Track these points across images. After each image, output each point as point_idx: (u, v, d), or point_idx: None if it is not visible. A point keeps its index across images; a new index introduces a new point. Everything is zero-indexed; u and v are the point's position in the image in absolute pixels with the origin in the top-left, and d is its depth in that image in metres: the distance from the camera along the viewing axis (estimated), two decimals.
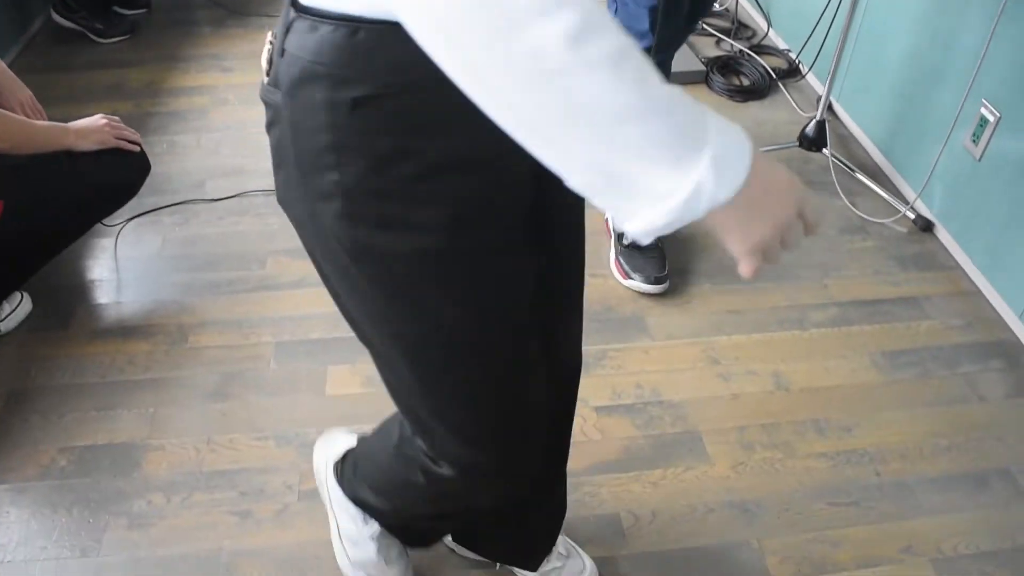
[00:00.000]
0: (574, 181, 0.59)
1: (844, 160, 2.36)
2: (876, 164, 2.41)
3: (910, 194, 2.23)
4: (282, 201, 0.83)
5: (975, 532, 1.51)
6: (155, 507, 1.51)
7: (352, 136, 0.70)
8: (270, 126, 0.78)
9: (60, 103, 2.55)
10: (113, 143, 1.81)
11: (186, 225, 2.14)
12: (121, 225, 2.12)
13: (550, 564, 1.34)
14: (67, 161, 1.75)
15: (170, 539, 1.46)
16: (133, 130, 1.88)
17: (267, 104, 0.77)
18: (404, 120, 0.70)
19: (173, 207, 2.19)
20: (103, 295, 1.94)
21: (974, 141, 1.96)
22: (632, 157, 0.57)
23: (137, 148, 1.87)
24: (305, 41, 0.69)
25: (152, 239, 2.10)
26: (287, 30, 0.72)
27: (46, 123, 1.76)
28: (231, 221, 2.15)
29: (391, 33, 0.62)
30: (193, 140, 2.45)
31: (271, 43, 0.76)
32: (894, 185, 2.32)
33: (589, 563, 1.40)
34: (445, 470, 1.01)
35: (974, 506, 1.55)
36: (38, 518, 1.49)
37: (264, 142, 0.83)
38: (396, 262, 0.78)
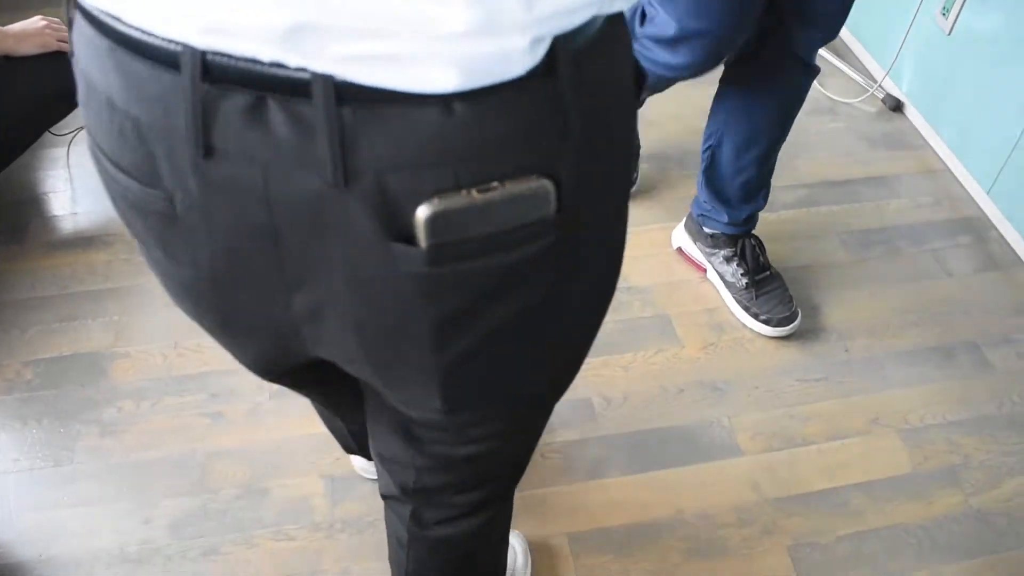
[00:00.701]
0: None
1: None
2: (844, 43, 2.36)
3: (879, 73, 2.20)
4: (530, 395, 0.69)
5: (942, 403, 1.53)
6: (126, 414, 1.50)
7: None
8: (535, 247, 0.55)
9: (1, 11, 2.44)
10: (55, 46, 1.73)
11: None
12: (72, 134, 2.04)
13: None
14: (5, 67, 1.67)
15: (143, 444, 1.46)
16: None
17: None
18: None
19: None
20: (58, 207, 1.89)
21: (944, 14, 1.92)
22: None
23: None
24: None
25: None
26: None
27: None
28: None
29: None
30: None
31: None
32: (863, 64, 2.28)
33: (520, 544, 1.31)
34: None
35: (941, 378, 1.57)
36: (8, 431, 1.47)
37: None
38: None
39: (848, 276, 1.75)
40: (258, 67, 0.46)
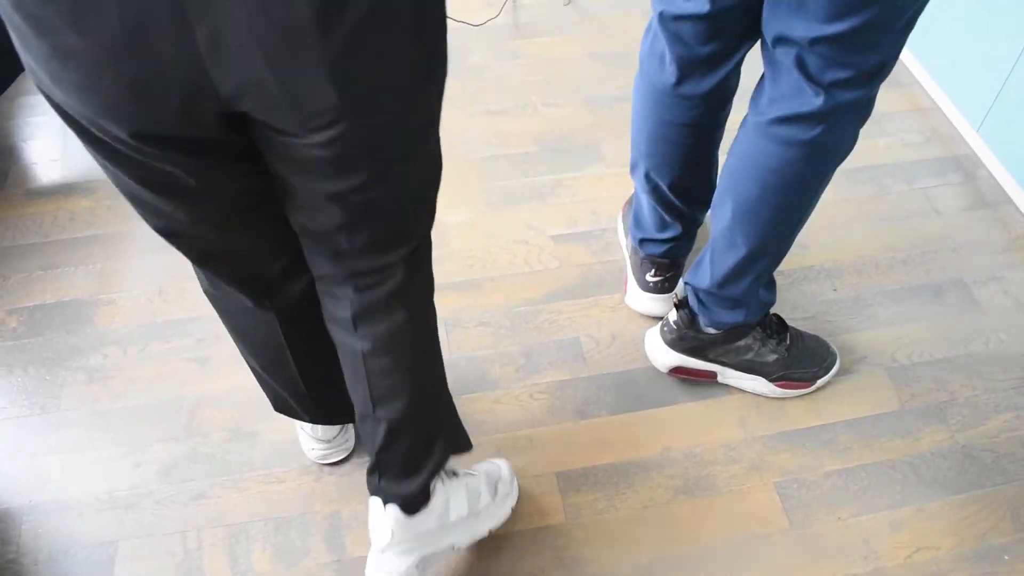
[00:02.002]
0: None
1: None
2: None
3: None
4: (405, 94, 0.78)
5: (929, 340, 1.54)
6: (112, 360, 1.49)
7: None
8: None
9: None
10: None
11: None
12: None
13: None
14: None
15: (130, 390, 1.45)
16: None
17: None
18: None
19: None
20: (37, 154, 1.85)
21: None
22: None
23: None
24: None
25: None
26: None
27: None
28: None
29: None
30: None
31: None
32: None
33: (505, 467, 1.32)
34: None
35: (929, 316, 1.57)
36: None
37: None
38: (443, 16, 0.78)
39: (836, 215, 1.74)
40: None
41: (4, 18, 0.67)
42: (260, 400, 1.42)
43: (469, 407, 1.43)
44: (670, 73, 1.24)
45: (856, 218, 1.73)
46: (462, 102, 1.97)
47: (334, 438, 1.34)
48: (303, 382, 1.16)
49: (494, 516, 1.23)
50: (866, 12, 0.97)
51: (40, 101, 1.95)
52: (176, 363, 1.48)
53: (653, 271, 1.51)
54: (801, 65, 1.06)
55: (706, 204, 1.44)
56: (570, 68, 2.05)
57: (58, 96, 0.71)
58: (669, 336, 1.42)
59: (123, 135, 0.73)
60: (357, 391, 1.06)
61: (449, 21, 2.15)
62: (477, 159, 1.84)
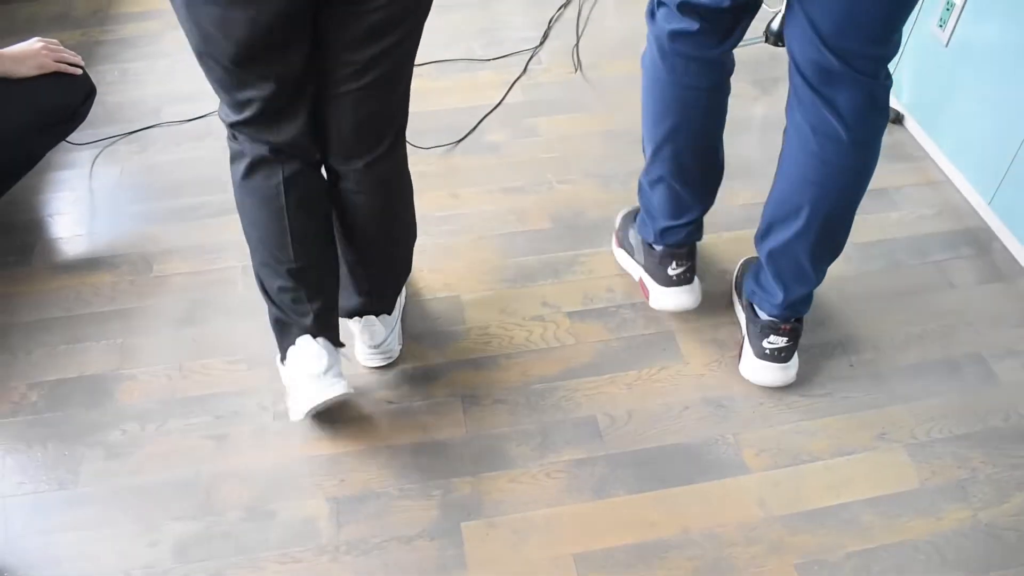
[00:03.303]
0: None
1: None
2: None
3: None
4: None
5: (948, 416, 1.53)
6: (130, 436, 1.50)
7: None
8: None
9: (1, 37, 2.45)
10: (53, 67, 1.74)
11: (144, 153, 2.08)
12: (98, 149, 2.06)
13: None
14: (3, 88, 1.68)
15: (148, 467, 1.46)
16: (73, 52, 1.81)
17: None
18: None
19: (130, 136, 2.12)
20: (63, 229, 1.89)
21: (940, 26, 1.92)
22: None
23: (79, 71, 1.80)
24: None
25: (110, 169, 2.04)
26: None
27: None
28: (190, 146, 2.09)
29: None
30: (145, 66, 2.37)
31: None
32: None
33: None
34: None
35: (947, 391, 1.57)
36: (13, 454, 1.47)
37: None
38: None
39: (851, 289, 1.74)
40: None
41: None
42: (277, 479, 1.43)
43: (486, 486, 1.43)
44: (708, 43, 1.38)
45: (871, 292, 1.74)
46: (479, 179, 2.00)
47: (325, 372, 1.40)
48: (295, 259, 1.38)
49: (402, 299, 1.67)
50: None
51: (68, 177, 2.01)
52: (194, 440, 1.49)
53: (674, 263, 1.60)
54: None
55: (720, 175, 1.59)
56: (584, 145, 2.09)
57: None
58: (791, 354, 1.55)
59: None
60: (353, 237, 1.45)
61: (466, 100, 2.21)
62: (494, 236, 1.86)
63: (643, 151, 1.59)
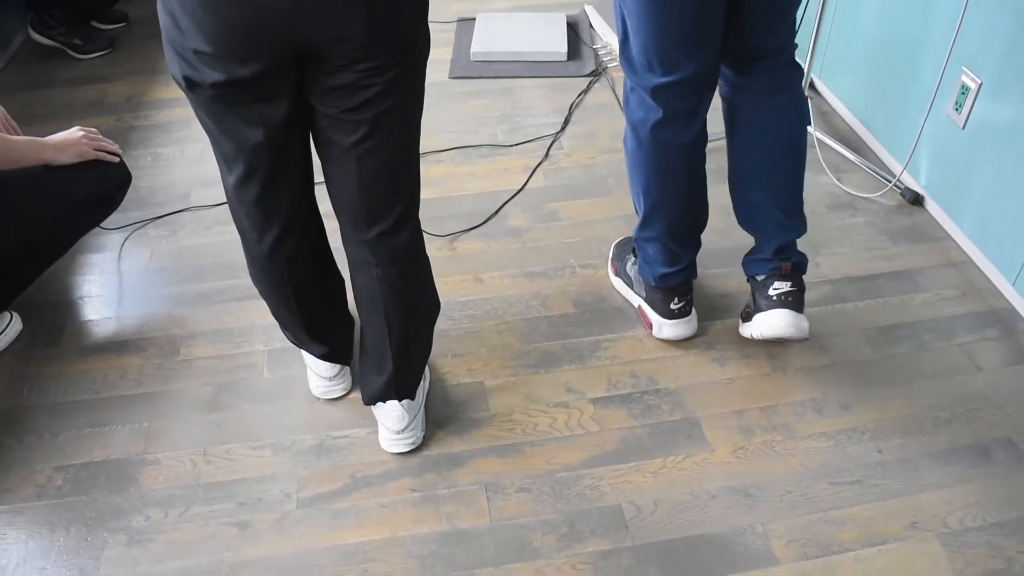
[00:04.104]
0: None
1: (828, 137, 2.35)
2: (861, 139, 2.40)
3: (896, 167, 2.22)
4: (405, 32, 1.20)
5: (981, 504, 1.50)
6: (153, 522, 1.49)
7: None
8: None
9: (41, 121, 2.54)
10: (92, 155, 1.80)
11: (173, 237, 2.12)
12: (126, 233, 2.11)
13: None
14: (45, 175, 1.73)
15: (170, 554, 1.45)
16: (111, 141, 1.87)
17: None
18: None
19: (160, 219, 2.18)
20: (93, 311, 1.93)
21: (956, 109, 1.95)
22: None
23: (116, 159, 1.85)
24: None
25: (140, 252, 2.08)
26: None
27: (23, 138, 1.74)
28: (218, 230, 2.13)
29: None
30: (176, 151, 2.44)
31: None
32: (880, 159, 2.31)
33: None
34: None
35: (978, 477, 1.54)
36: (36, 539, 1.47)
37: None
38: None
39: (877, 373, 1.73)
40: None
41: None
42: (299, 568, 1.42)
43: None
44: (679, 127, 1.58)
45: (897, 376, 1.72)
46: (502, 264, 2.02)
47: (333, 377, 1.68)
48: (306, 326, 1.58)
49: (426, 384, 1.70)
50: None
51: (98, 260, 2.05)
52: (216, 527, 1.48)
53: (676, 299, 1.77)
54: None
55: (705, 221, 1.74)
56: (606, 229, 2.11)
57: (195, 42, 1.13)
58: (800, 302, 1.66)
59: (236, 66, 1.15)
60: (371, 314, 1.49)
61: (489, 185, 2.25)
62: (517, 321, 1.88)
63: (635, 211, 1.75)
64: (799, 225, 1.69)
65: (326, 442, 1.62)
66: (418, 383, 1.60)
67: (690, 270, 1.76)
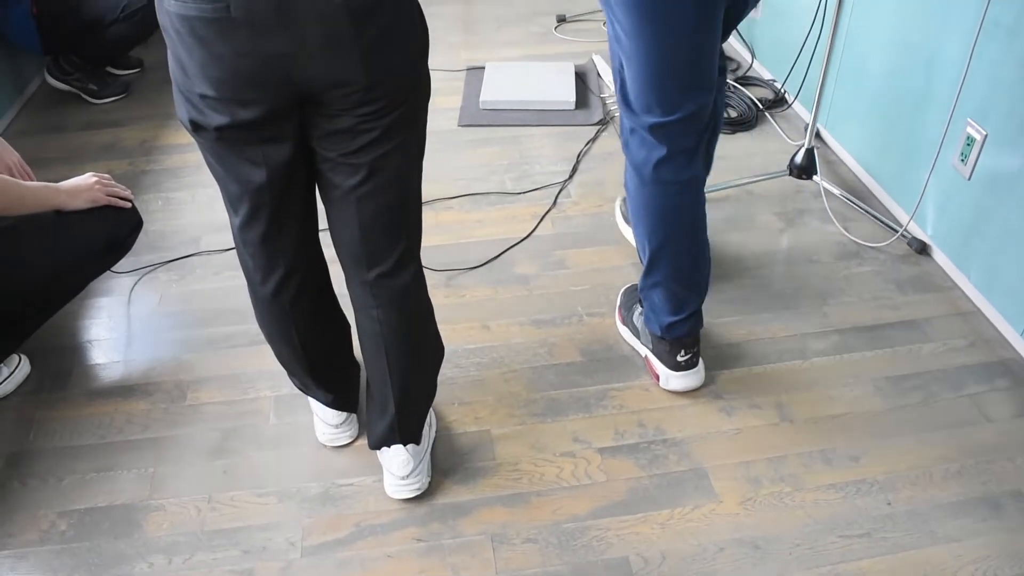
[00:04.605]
0: None
1: (835, 186, 2.37)
2: (867, 188, 2.41)
3: (903, 217, 2.23)
4: (404, 77, 1.23)
5: (993, 557, 1.48)
6: (157, 569, 1.48)
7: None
8: (373, 16, 1.14)
9: (55, 164, 2.57)
10: (104, 200, 1.81)
11: (183, 281, 2.14)
12: (136, 277, 2.12)
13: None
14: (57, 220, 1.75)
15: None
16: (124, 186, 1.89)
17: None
18: None
19: (169, 264, 2.19)
20: (101, 355, 1.93)
21: (962, 160, 1.96)
22: None
23: (128, 204, 1.87)
24: None
25: (149, 296, 2.09)
26: None
27: (36, 183, 1.76)
28: (228, 275, 2.14)
29: None
30: (188, 196, 2.46)
31: None
32: (887, 209, 2.33)
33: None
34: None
35: (989, 531, 1.52)
36: None
37: None
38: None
39: (886, 424, 1.72)
40: None
41: (176, 37, 1.14)
42: None
43: None
44: (681, 164, 1.61)
45: (906, 427, 1.72)
46: (509, 312, 2.03)
47: (339, 424, 1.68)
48: (305, 355, 1.56)
49: (432, 432, 1.71)
50: None
51: (107, 303, 2.06)
52: (220, 575, 1.47)
53: (683, 351, 1.76)
54: None
55: (710, 266, 1.76)
56: (613, 278, 2.12)
57: (201, 87, 1.17)
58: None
59: (239, 109, 1.18)
60: (374, 357, 1.50)
61: (498, 233, 2.27)
62: (524, 369, 1.87)
63: (639, 258, 1.78)
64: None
65: (331, 490, 1.61)
66: (422, 427, 1.60)
67: (696, 318, 1.75)
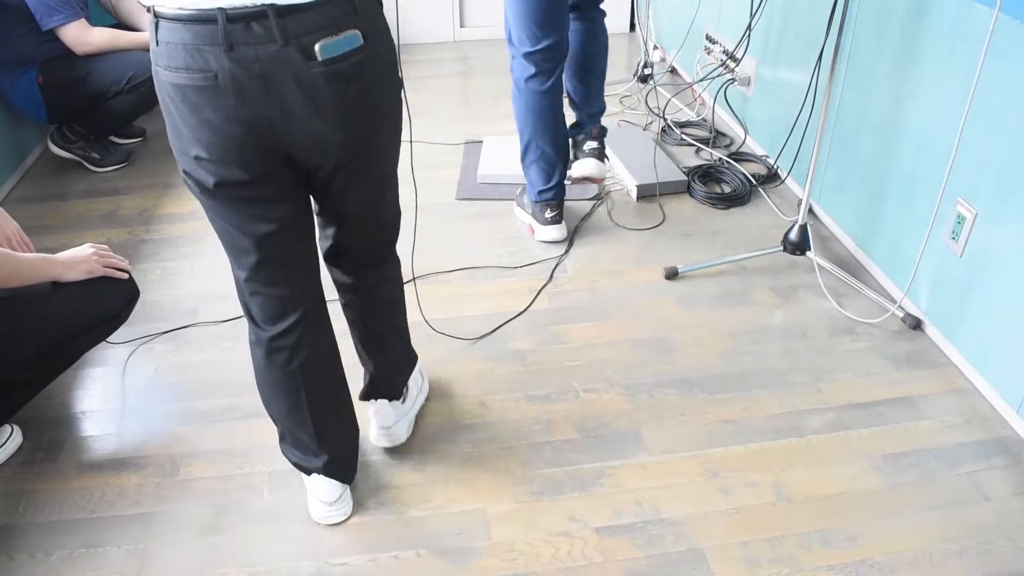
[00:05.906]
0: None
1: (829, 262, 2.39)
2: (861, 264, 2.44)
3: (896, 292, 2.25)
4: (384, 126, 1.40)
5: None
6: None
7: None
8: (352, 81, 1.27)
9: (55, 231, 2.59)
10: (101, 272, 1.82)
11: (179, 352, 2.14)
12: (132, 349, 2.12)
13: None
14: (53, 292, 1.76)
15: None
16: (121, 257, 1.90)
17: (354, 46, 1.26)
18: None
19: (166, 334, 2.19)
20: (94, 426, 1.92)
21: (953, 238, 1.99)
22: None
23: (125, 275, 1.88)
24: None
25: (145, 367, 2.09)
26: None
27: (33, 255, 1.77)
28: (224, 346, 2.15)
29: None
30: (186, 266, 2.48)
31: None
32: (880, 284, 2.35)
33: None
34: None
35: None
36: None
37: None
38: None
39: (884, 503, 1.71)
40: (246, 9, 1.17)
41: (171, 104, 1.26)
42: None
43: None
44: (543, 80, 2.39)
45: (905, 507, 1.70)
46: (505, 387, 2.03)
47: (333, 502, 1.67)
48: (309, 413, 1.59)
49: (419, 399, 1.94)
50: None
51: (102, 373, 2.05)
52: None
53: (549, 210, 2.54)
54: None
55: (566, 144, 2.56)
56: (609, 353, 2.12)
57: (195, 150, 1.28)
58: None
59: (231, 170, 1.29)
60: (365, 332, 1.73)
61: (494, 307, 2.29)
62: (520, 446, 1.86)
63: (520, 143, 2.51)
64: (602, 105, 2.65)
65: (324, 569, 1.59)
66: (402, 388, 1.84)
67: (559, 188, 2.53)
